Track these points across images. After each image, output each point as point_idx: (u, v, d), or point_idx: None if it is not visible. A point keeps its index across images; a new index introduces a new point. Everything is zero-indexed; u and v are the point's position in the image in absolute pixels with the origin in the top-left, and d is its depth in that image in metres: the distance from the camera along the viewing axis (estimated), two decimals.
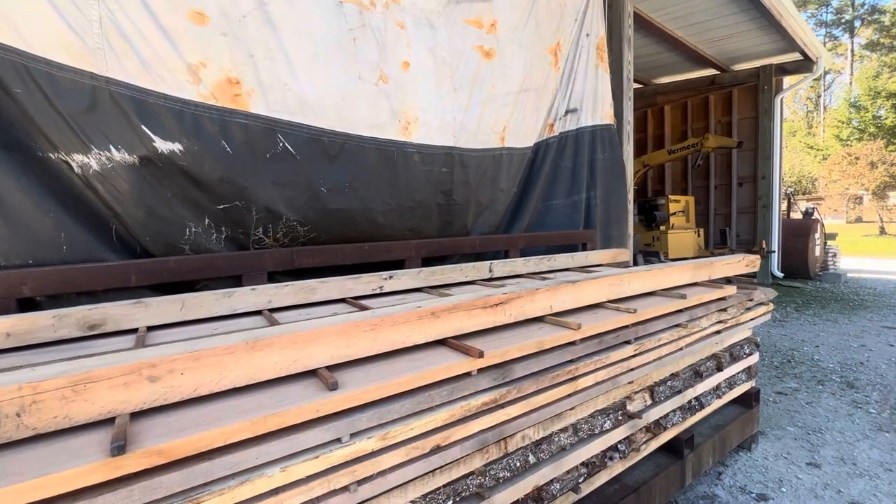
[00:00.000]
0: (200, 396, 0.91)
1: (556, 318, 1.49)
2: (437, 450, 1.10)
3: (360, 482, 0.98)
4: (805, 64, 7.35)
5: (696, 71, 8.34)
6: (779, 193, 7.87)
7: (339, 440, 0.96)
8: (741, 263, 2.42)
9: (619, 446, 1.63)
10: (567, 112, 3.45)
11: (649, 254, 7.01)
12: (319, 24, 1.90)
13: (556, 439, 1.42)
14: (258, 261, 1.84)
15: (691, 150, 7.49)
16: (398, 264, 2.31)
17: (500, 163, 2.73)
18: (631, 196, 4.11)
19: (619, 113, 4.02)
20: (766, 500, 1.99)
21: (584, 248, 3.20)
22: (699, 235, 7.74)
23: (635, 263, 6.38)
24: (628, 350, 1.60)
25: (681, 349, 1.87)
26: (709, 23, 6.24)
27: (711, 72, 8.24)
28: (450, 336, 1.28)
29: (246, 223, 1.81)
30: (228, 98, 1.66)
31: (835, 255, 9.04)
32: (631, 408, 1.67)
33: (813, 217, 8.66)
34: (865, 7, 40.07)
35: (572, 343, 1.43)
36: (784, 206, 9.62)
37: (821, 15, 42.57)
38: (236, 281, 1.83)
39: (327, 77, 1.91)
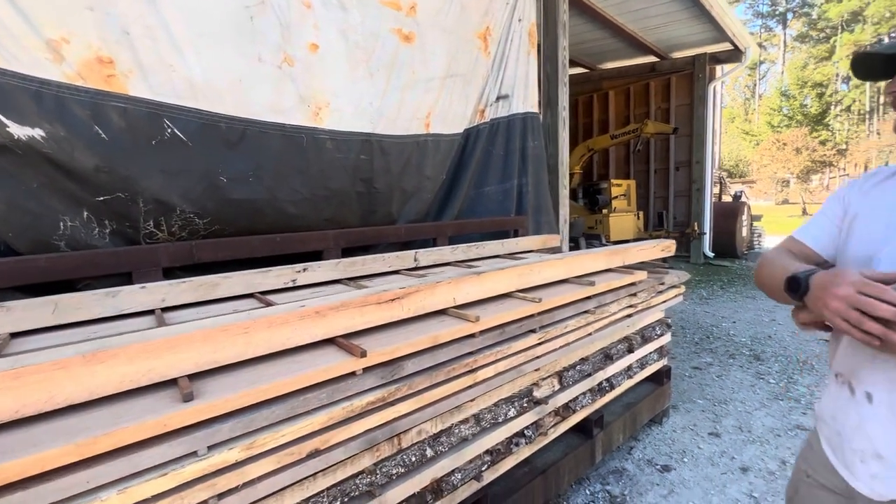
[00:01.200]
0: (26, 418, 0.82)
1: (459, 310, 1.49)
2: (315, 454, 1.07)
3: (221, 495, 0.93)
4: (735, 54, 7.72)
5: (638, 58, 8.57)
6: (711, 178, 8.33)
7: (194, 454, 0.90)
8: (656, 249, 2.52)
9: (525, 432, 1.66)
10: (498, 98, 3.43)
11: (591, 237, 7.26)
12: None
13: (457, 431, 1.43)
14: (150, 256, 1.71)
15: (632, 136, 7.74)
16: (318, 256, 2.23)
17: (426, 149, 2.67)
18: (566, 181, 4.19)
19: (555, 98, 4.06)
20: (669, 470, 2.13)
21: (516, 235, 3.24)
22: (639, 218, 8.08)
23: (578, 247, 6.58)
24: (533, 339, 1.63)
25: (590, 335, 1.92)
26: (646, 10, 6.38)
27: (652, 59, 8.50)
28: (340, 335, 1.23)
29: (133, 216, 1.67)
30: (100, 79, 1.50)
31: (760, 236, 9.75)
32: (538, 394, 1.71)
33: (741, 200, 9.24)
34: (797, 0, 42.59)
35: (472, 335, 1.43)
36: (717, 190, 10.21)
37: (758, 6, 44.82)
38: (127, 279, 1.70)
39: (220, 58, 1.77)
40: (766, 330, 4.20)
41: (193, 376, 1.01)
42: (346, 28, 2.19)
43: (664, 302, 2.46)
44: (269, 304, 1.67)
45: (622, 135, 7.89)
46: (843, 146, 25.39)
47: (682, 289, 2.60)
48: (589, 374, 1.95)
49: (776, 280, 0.89)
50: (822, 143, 23.26)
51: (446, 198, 3.10)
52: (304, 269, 2.00)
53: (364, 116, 2.29)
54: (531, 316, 1.63)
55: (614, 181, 7.97)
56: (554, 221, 4.08)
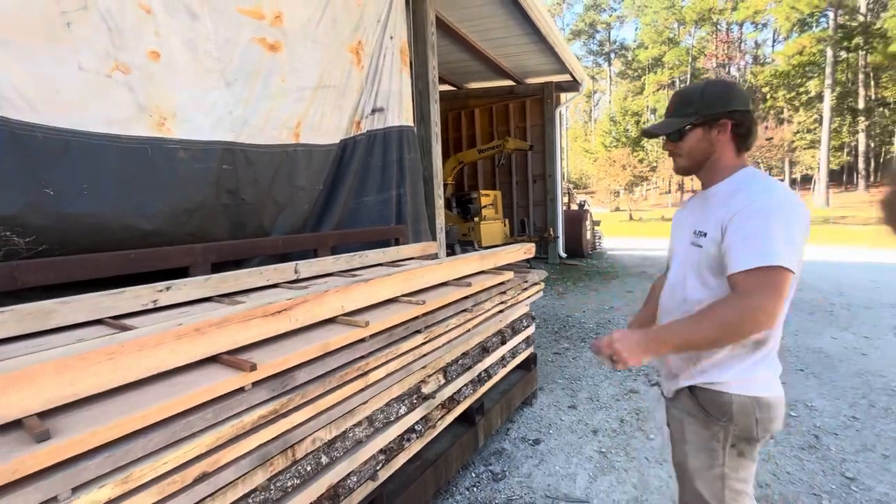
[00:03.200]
0: None
1: (348, 317, 1.53)
2: (203, 477, 1.02)
3: None
4: (574, 84, 9.09)
5: (499, 80, 9.50)
6: (560, 189, 9.61)
7: (54, 499, 0.79)
8: (520, 251, 2.88)
9: (416, 427, 1.77)
10: (374, 111, 3.53)
11: (465, 243, 7.77)
12: (9, 4, 1.52)
13: (351, 434, 1.47)
14: None
15: (495, 151, 8.54)
16: (183, 274, 2.03)
17: (296, 159, 2.63)
18: (441, 191, 4.46)
19: (427, 113, 4.31)
20: (539, 443, 2.44)
21: (397, 243, 3.36)
22: (505, 225, 8.92)
23: (454, 253, 7.00)
24: (419, 339, 1.75)
25: (468, 331, 2.13)
26: (504, 40, 7.15)
27: (510, 83, 9.50)
28: (224, 351, 1.18)
29: None
30: None
31: (600, 238, 11.54)
32: (426, 390, 1.83)
33: (585, 208, 10.84)
34: (616, 44, 51.58)
35: (362, 340, 1.49)
36: (566, 200, 11.80)
37: (590, 45, 52.99)
38: None
39: (28, 65, 1.55)
40: (606, 316, 5.02)
41: (46, 414, 0.88)
42: (194, 36, 2.07)
43: (529, 297, 2.82)
44: (124, 328, 1.49)
45: (488, 149, 8.65)
46: (655, 164, 31.55)
47: (542, 285, 3.00)
48: (470, 367, 2.15)
49: None
50: (640, 161, 28.55)
51: (324, 208, 3.07)
52: (168, 288, 1.81)
53: (222, 125, 2.17)
54: (416, 318, 1.75)
55: (483, 192, 8.68)
56: (430, 230, 4.32)
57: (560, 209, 9.47)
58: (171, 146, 1.94)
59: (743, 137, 1.18)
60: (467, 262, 2.29)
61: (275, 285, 2.25)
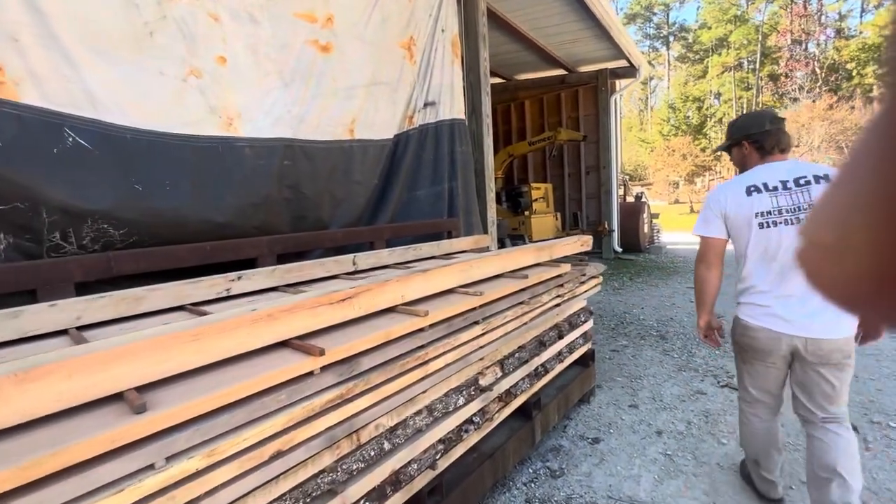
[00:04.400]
0: None
1: (408, 307, 1.55)
2: (278, 455, 1.07)
3: None
4: (631, 70, 8.66)
5: (550, 70, 9.25)
6: (616, 180, 9.22)
7: (151, 467, 0.86)
8: (577, 244, 2.78)
9: (473, 419, 1.76)
10: (426, 105, 3.54)
11: (516, 237, 7.66)
12: (99, 13, 1.66)
13: (412, 423, 1.48)
14: (59, 270, 1.54)
15: (547, 142, 8.33)
16: (251, 265, 2.15)
17: (352, 155, 2.70)
18: (493, 184, 4.42)
19: (478, 106, 4.27)
20: (599, 442, 2.36)
21: (450, 236, 3.36)
22: (557, 219, 8.69)
23: (503, 246, 6.93)
24: (477, 330, 1.73)
25: (525, 324, 2.09)
26: (557, 27, 6.94)
27: (562, 72, 9.22)
28: (294, 336, 1.23)
29: (35, 228, 1.51)
30: None
31: (658, 231, 10.96)
32: (483, 382, 1.82)
33: (642, 200, 10.33)
34: (676, 25, 48.54)
35: (421, 330, 1.50)
36: (621, 192, 11.31)
37: (646, 29, 50.29)
38: (30, 298, 1.52)
39: (118, 72, 1.69)
40: (668, 313, 4.76)
41: (142, 388, 0.96)
42: (255, 41, 2.17)
43: (586, 291, 2.72)
44: (203, 314, 1.59)
45: (538, 141, 8.46)
46: (719, 153, 29.44)
47: (600, 279, 2.89)
48: (526, 361, 2.11)
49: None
50: (703, 150, 26.76)
51: (379, 202, 3.14)
52: (239, 278, 1.92)
53: (281, 123, 2.27)
54: (474, 309, 1.74)
55: (534, 185, 8.51)
56: (481, 223, 4.29)
57: (615, 202, 9.09)
58: (239, 144, 2.05)
59: (761, 147, 1.77)
60: (524, 254, 2.25)
61: (334, 276, 2.33)
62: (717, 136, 30.53)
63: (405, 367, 1.41)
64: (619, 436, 2.40)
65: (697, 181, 28.90)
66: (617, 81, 9.07)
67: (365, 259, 2.47)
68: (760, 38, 35.83)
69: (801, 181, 1.65)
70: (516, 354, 2.04)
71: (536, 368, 2.21)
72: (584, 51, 8.06)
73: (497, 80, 10.07)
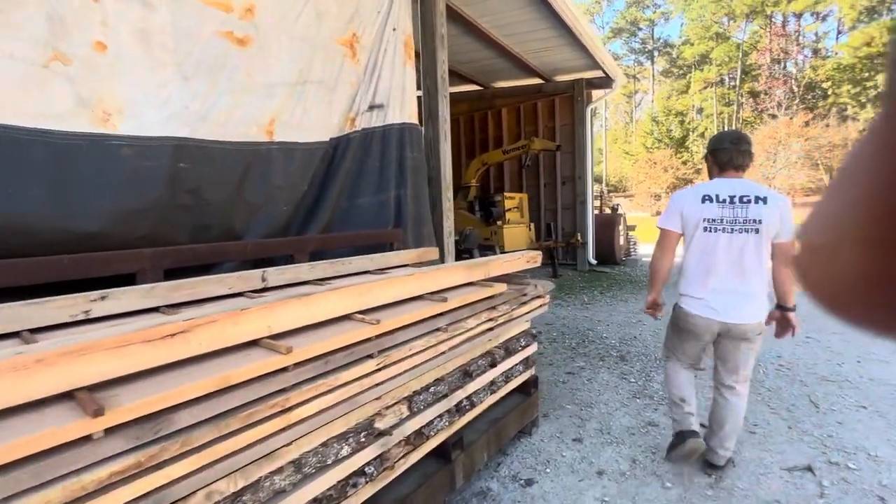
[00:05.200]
0: None
1: (274, 341, 1.28)
2: None
3: None
4: (607, 81, 8.57)
5: (527, 79, 9.13)
6: (591, 191, 9.09)
7: None
8: (521, 260, 2.56)
9: (366, 469, 1.50)
10: (372, 107, 3.31)
11: (486, 248, 7.44)
12: None
13: (269, 483, 1.21)
14: None
15: (521, 151, 8.17)
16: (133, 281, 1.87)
17: (271, 158, 2.44)
18: (450, 193, 4.19)
19: (435, 111, 4.06)
20: (532, 484, 2.11)
21: (393, 248, 3.11)
22: (531, 230, 8.51)
23: (472, 258, 6.70)
24: (370, 365, 1.48)
25: (444, 353, 1.83)
26: (529, 35, 6.80)
27: (538, 81, 9.11)
28: (85, 385, 0.96)
29: None
30: None
31: (634, 244, 10.87)
32: (381, 425, 1.56)
33: (618, 212, 10.23)
34: (660, 41, 49.53)
35: (284, 370, 1.24)
36: (598, 203, 11.22)
37: (632, 43, 51.22)
38: None
39: None
40: (632, 331, 4.56)
41: None
42: (147, 27, 1.90)
43: (529, 313, 2.49)
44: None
45: (513, 150, 8.29)
46: (700, 166, 29.87)
47: (547, 298, 2.66)
48: (445, 395, 1.86)
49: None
50: (684, 163, 27.06)
51: (312, 210, 2.87)
52: (104, 297, 1.63)
53: (177, 120, 1.99)
54: (368, 340, 1.49)
55: (507, 194, 8.32)
56: (434, 234, 4.05)
57: (590, 213, 8.95)
58: (114, 142, 1.78)
59: (718, 162, 2.11)
60: (449, 273, 2.00)
61: (238, 294, 2.05)
62: (699, 149, 31.05)
63: (253, 418, 1.15)
64: (556, 476, 2.16)
65: None
66: (593, 92, 8.98)
67: (278, 275, 2.20)
68: (741, 56, 36.67)
69: (745, 199, 2.01)
70: (431, 389, 1.79)
71: (459, 403, 1.96)
72: (559, 59, 7.95)
73: (474, 88, 9.93)
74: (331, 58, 2.92)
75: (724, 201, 2.02)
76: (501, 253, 7.57)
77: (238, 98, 2.31)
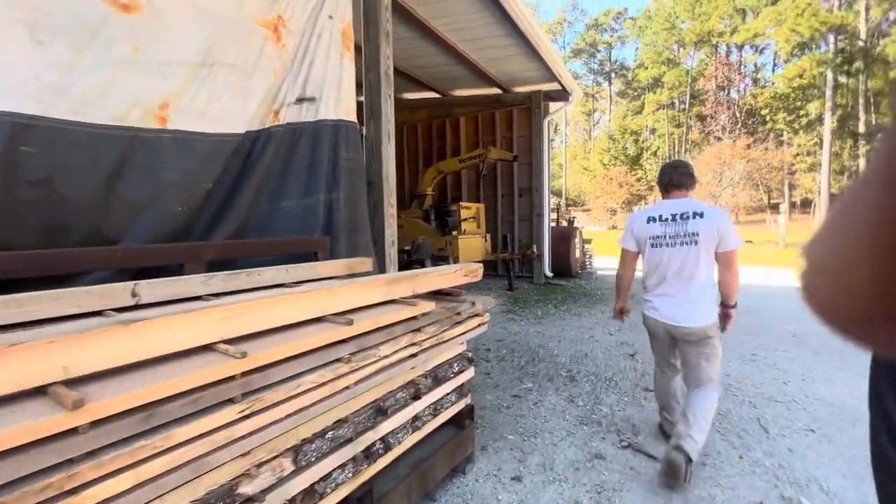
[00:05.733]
0: None
1: (64, 389, 0.91)
2: None
3: None
4: (564, 94, 8.59)
5: (485, 88, 9.02)
6: (548, 204, 9.04)
7: None
8: (459, 273, 2.27)
9: None
10: (302, 100, 2.96)
11: (440, 258, 7.16)
12: None
13: None
14: None
15: (478, 160, 8.00)
16: None
17: (160, 148, 2.04)
18: (392, 199, 3.88)
19: (378, 109, 3.75)
20: None
21: (318, 258, 2.75)
22: (486, 241, 8.32)
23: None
24: (230, 413, 1.12)
25: (347, 388, 1.50)
26: (484, 41, 6.66)
27: (497, 91, 9.02)
28: None
29: None
30: None
31: (590, 257, 10.93)
32: (249, 488, 1.20)
33: (574, 225, 10.26)
34: (617, 63, 51.87)
35: (74, 431, 0.86)
36: (555, 216, 11.25)
37: (591, 64, 53.31)
38: None
39: None
40: (584, 348, 4.38)
41: None
42: None
43: (463, 334, 2.19)
44: None
45: (469, 159, 8.12)
46: (652, 183, 31.18)
47: (487, 317, 2.38)
48: (349, 440, 1.52)
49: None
50: (638, 179, 28.12)
51: (220, 213, 2.48)
52: None
53: (21, 92, 1.58)
54: (230, 379, 1.13)
55: (464, 204, 8.11)
56: (374, 243, 3.73)
57: (546, 225, 8.88)
58: None
59: (662, 186, 2.44)
60: (363, 289, 1.68)
61: (98, 312, 1.63)
62: (652, 167, 32.50)
63: None
64: None
65: (634, 208, 30.28)
66: (551, 104, 8.99)
67: (154, 289, 1.78)
68: (690, 81, 38.90)
69: (684, 216, 2.27)
70: (329, 434, 1.45)
71: (370, 448, 1.62)
72: (517, 69, 7.88)
73: (432, 95, 9.73)
74: (248, 39, 2.56)
75: (666, 220, 2.34)
76: (456, 263, 7.32)
77: (116, 74, 1.90)
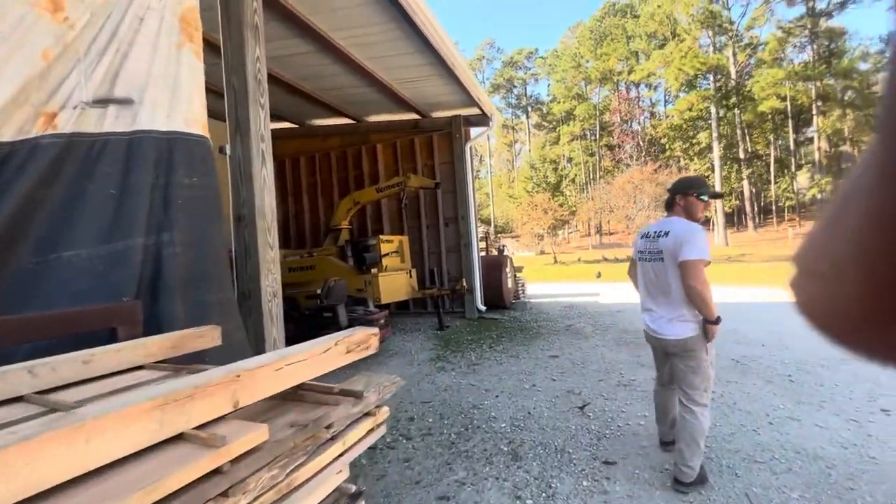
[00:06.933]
0: None
1: None
2: None
3: None
4: (484, 119, 8.26)
5: (402, 113, 8.46)
6: (476, 232, 8.51)
7: None
8: (334, 353, 1.44)
9: None
10: (107, 102, 2.03)
11: (358, 301, 6.22)
12: None
13: None
14: None
15: (397, 189, 7.29)
16: None
17: None
18: (272, 238, 2.96)
19: (245, 123, 2.88)
20: None
21: (116, 338, 1.76)
22: (412, 276, 7.53)
23: (336, 318, 5.40)
24: None
25: None
26: (394, 59, 6.08)
27: (415, 116, 8.49)
28: None
29: None
30: None
31: (523, 285, 10.55)
32: None
33: (504, 253, 9.84)
34: (532, 98, 55.22)
35: None
36: (484, 244, 10.80)
37: (509, 99, 56.24)
38: None
39: None
40: (527, 403, 3.67)
41: None
42: None
43: (343, 454, 1.34)
44: None
45: (388, 188, 7.39)
46: (574, 208, 32.68)
47: (383, 415, 1.55)
48: None
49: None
50: (560, 205, 29.27)
51: None
52: None
53: None
54: None
55: (384, 237, 7.29)
56: (244, 298, 2.78)
57: (476, 256, 8.31)
58: None
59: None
60: (69, 439, 0.78)
61: None
62: (571, 193, 34.20)
63: None
64: None
65: (559, 233, 31.36)
66: (471, 129, 8.62)
67: None
68: (597, 115, 42.23)
69: (658, 234, 2.44)
70: None
71: None
72: (433, 93, 7.41)
73: (346, 121, 8.99)
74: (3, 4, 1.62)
75: (648, 237, 2.50)
76: (375, 306, 6.39)
77: None
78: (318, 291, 5.73)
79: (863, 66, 32.70)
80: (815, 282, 0.26)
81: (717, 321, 2.24)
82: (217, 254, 2.40)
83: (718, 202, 30.47)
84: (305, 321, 5.49)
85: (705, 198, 2.38)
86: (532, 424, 3.23)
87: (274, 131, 11.12)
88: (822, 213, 0.25)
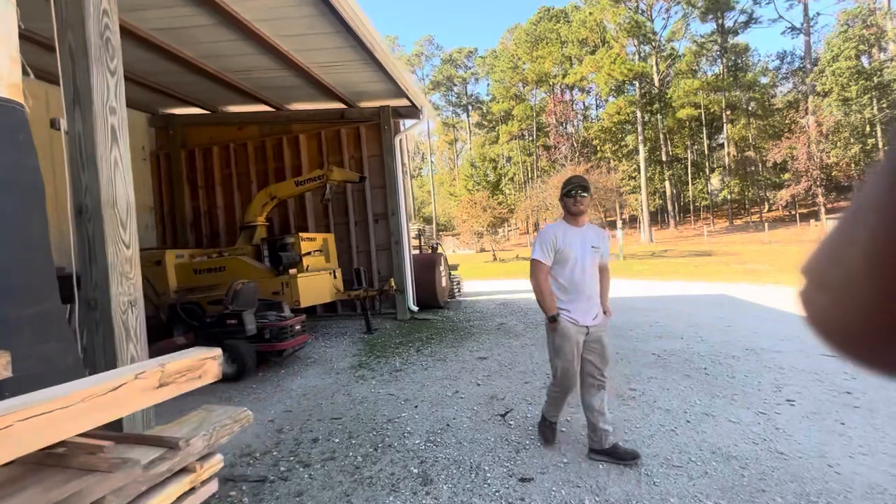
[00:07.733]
0: None
1: None
2: None
3: None
4: (414, 111, 7.91)
5: (327, 102, 7.89)
6: (407, 230, 8.16)
7: None
8: (136, 387, 1.06)
9: None
10: None
11: (272, 305, 5.62)
12: None
13: None
14: None
15: (318, 183, 6.73)
16: None
17: None
18: (126, 233, 2.42)
19: (87, 91, 2.32)
20: None
21: None
22: (336, 277, 7.02)
23: (242, 325, 4.81)
24: None
25: None
26: (309, 39, 5.56)
27: (340, 105, 7.96)
28: None
29: None
30: None
31: (459, 283, 10.37)
32: None
33: (437, 251, 9.57)
34: (472, 97, 55.73)
35: None
36: (417, 242, 10.48)
37: (449, 97, 56.32)
38: None
39: None
40: (446, 413, 3.39)
41: None
42: None
43: None
44: None
45: (308, 181, 6.81)
46: (513, 206, 33.37)
47: (216, 465, 1.16)
48: None
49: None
50: (500, 203, 29.70)
51: None
52: None
53: None
54: None
55: (305, 235, 6.71)
56: (89, 308, 2.25)
57: (407, 254, 7.97)
58: None
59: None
60: None
61: None
62: (511, 191, 34.88)
63: None
64: None
65: (499, 231, 31.84)
66: (401, 122, 8.24)
67: None
68: (534, 116, 43.45)
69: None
70: None
71: None
72: (358, 81, 6.94)
73: (265, 109, 8.25)
74: None
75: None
76: (293, 310, 5.82)
77: None
78: (223, 296, 5.09)
79: (763, 80, 36.40)
80: (826, 293, 0.27)
81: (552, 319, 2.49)
82: (30, 255, 1.85)
83: (644, 200, 32.43)
84: (205, 330, 4.84)
85: (572, 193, 2.53)
86: (449, 438, 2.95)
87: (181, 117, 10.21)
88: (833, 225, 0.26)
